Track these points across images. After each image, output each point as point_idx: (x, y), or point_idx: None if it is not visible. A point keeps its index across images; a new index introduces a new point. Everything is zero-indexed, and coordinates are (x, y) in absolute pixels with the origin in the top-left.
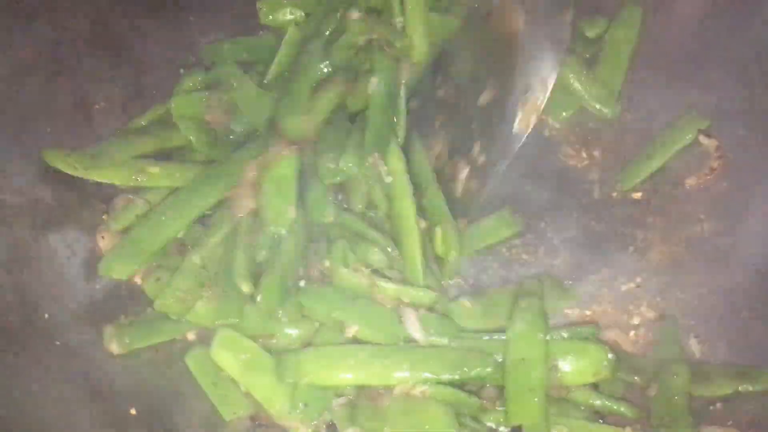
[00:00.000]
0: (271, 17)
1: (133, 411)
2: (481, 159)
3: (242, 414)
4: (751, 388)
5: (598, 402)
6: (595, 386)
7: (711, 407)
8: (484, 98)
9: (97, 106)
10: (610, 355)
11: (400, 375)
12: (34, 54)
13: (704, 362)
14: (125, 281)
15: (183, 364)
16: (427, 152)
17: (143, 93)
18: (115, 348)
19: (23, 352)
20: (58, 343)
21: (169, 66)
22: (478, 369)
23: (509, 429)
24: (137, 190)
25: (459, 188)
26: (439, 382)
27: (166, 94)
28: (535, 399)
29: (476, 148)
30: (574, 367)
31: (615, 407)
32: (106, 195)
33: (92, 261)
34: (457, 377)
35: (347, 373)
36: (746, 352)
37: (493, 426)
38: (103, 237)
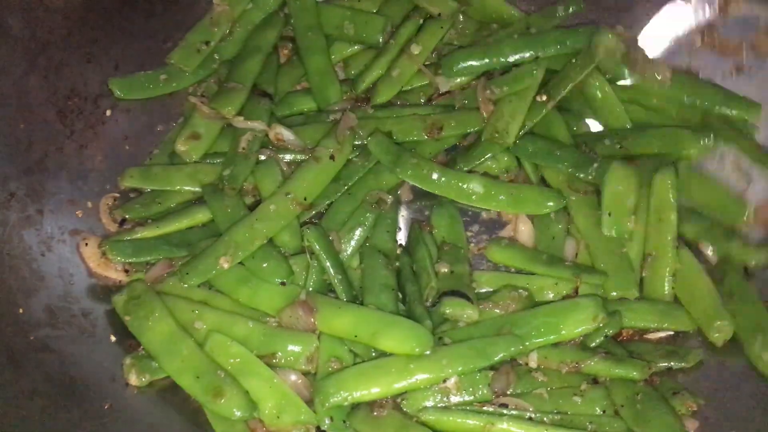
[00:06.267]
0: None
1: (106, 406)
2: None
3: None
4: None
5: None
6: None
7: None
8: None
9: (69, 102)
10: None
11: (439, 373)
12: (8, 51)
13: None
14: (100, 280)
15: None
16: None
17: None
18: (134, 380)
19: None
20: (32, 338)
21: (139, 63)
22: (503, 353)
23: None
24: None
25: None
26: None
27: None
28: None
29: None
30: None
31: (618, 370)
32: (80, 192)
33: (68, 257)
34: (487, 364)
35: (389, 384)
36: None
37: None
38: (86, 243)
